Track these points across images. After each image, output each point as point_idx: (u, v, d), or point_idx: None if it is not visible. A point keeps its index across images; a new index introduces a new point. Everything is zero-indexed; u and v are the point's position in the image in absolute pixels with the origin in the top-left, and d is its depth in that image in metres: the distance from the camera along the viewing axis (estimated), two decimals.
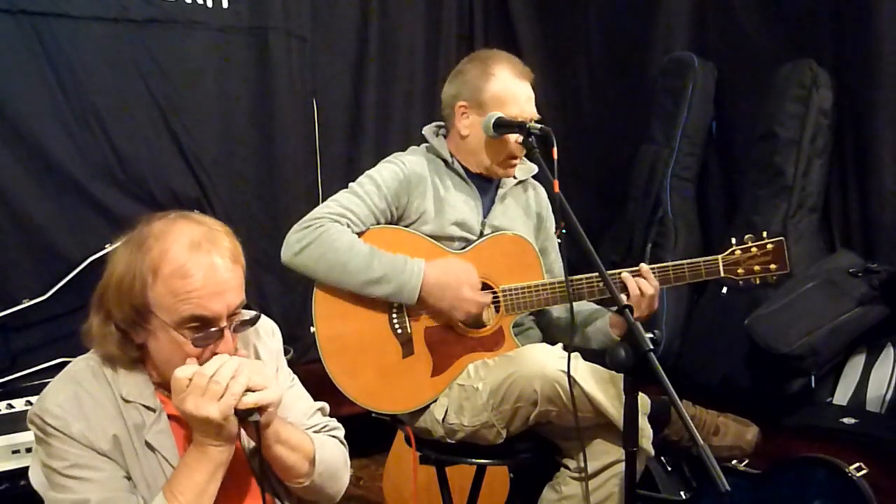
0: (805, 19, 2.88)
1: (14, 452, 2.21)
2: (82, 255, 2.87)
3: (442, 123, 2.12)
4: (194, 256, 1.22)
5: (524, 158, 2.10)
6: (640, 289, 1.87)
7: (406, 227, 1.98)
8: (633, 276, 1.89)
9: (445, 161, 2.04)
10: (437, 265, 1.90)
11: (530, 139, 1.86)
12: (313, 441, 1.38)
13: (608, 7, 3.58)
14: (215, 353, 1.25)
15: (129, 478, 1.27)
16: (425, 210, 1.97)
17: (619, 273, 1.90)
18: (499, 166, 2.02)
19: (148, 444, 1.28)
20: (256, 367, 1.25)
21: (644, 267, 1.91)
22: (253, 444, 1.33)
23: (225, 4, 3.23)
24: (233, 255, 1.27)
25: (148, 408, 1.29)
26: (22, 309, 2.82)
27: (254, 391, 1.21)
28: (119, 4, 2.99)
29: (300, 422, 1.44)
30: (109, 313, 1.26)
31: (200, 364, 1.22)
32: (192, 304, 1.21)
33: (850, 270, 2.59)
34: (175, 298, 1.21)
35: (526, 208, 2.15)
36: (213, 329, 1.24)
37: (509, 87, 1.98)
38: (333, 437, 1.49)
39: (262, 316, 1.49)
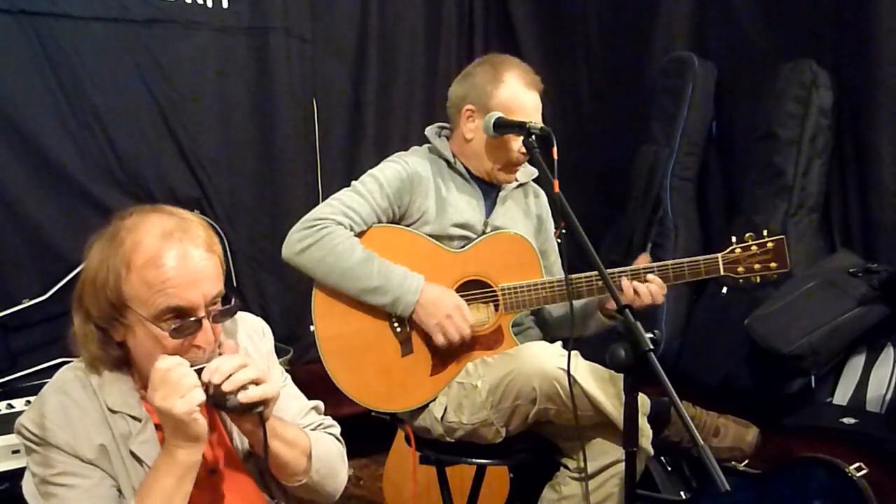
0: (805, 19, 2.88)
1: (14, 452, 2.21)
2: (82, 255, 2.87)
3: (445, 125, 2.12)
4: (166, 245, 1.19)
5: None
6: (636, 291, 1.88)
7: (407, 226, 1.98)
8: (632, 280, 1.89)
9: (448, 162, 2.04)
10: (436, 286, 1.90)
11: (531, 139, 1.86)
12: (309, 437, 1.37)
13: (608, 7, 3.58)
14: (194, 346, 1.22)
15: (117, 487, 1.25)
16: (427, 209, 1.97)
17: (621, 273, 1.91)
18: (501, 171, 2.03)
19: (133, 455, 1.25)
20: (247, 361, 1.22)
21: (650, 276, 1.90)
22: (247, 445, 1.33)
23: (225, 4, 3.24)
24: (207, 243, 1.24)
25: (134, 417, 1.27)
26: (22, 309, 2.83)
27: (257, 384, 1.19)
28: (119, 4, 2.99)
29: (294, 421, 1.42)
30: (88, 312, 1.24)
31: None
32: (168, 294, 1.18)
33: (850, 270, 2.58)
34: (150, 290, 1.18)
35: (526, 210, 2.15)
36: (191, 319, 1.20)
37: (518, 96, 1.96)
38: (329, 434, 1.48)
39: (251, 315, 1.48)
